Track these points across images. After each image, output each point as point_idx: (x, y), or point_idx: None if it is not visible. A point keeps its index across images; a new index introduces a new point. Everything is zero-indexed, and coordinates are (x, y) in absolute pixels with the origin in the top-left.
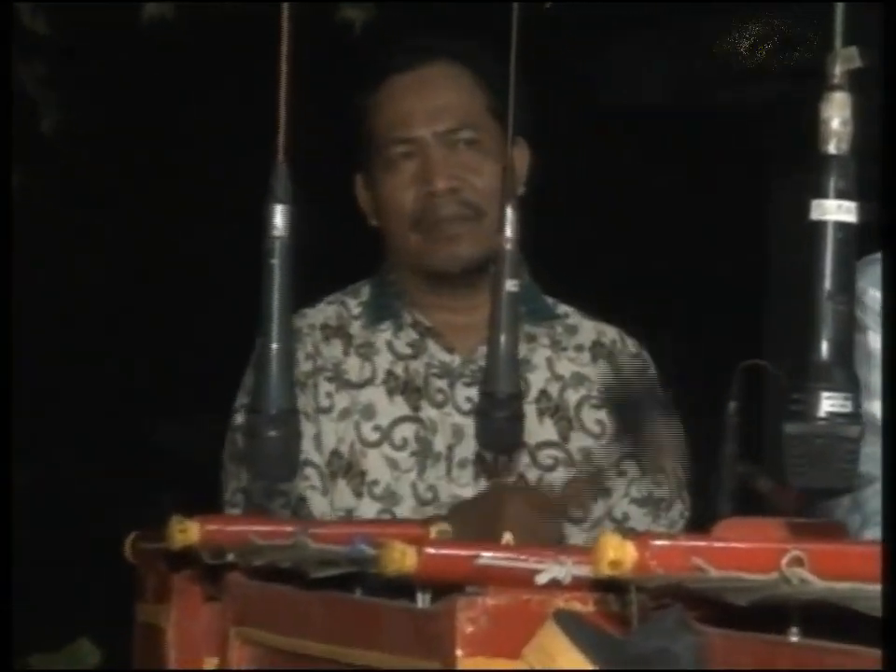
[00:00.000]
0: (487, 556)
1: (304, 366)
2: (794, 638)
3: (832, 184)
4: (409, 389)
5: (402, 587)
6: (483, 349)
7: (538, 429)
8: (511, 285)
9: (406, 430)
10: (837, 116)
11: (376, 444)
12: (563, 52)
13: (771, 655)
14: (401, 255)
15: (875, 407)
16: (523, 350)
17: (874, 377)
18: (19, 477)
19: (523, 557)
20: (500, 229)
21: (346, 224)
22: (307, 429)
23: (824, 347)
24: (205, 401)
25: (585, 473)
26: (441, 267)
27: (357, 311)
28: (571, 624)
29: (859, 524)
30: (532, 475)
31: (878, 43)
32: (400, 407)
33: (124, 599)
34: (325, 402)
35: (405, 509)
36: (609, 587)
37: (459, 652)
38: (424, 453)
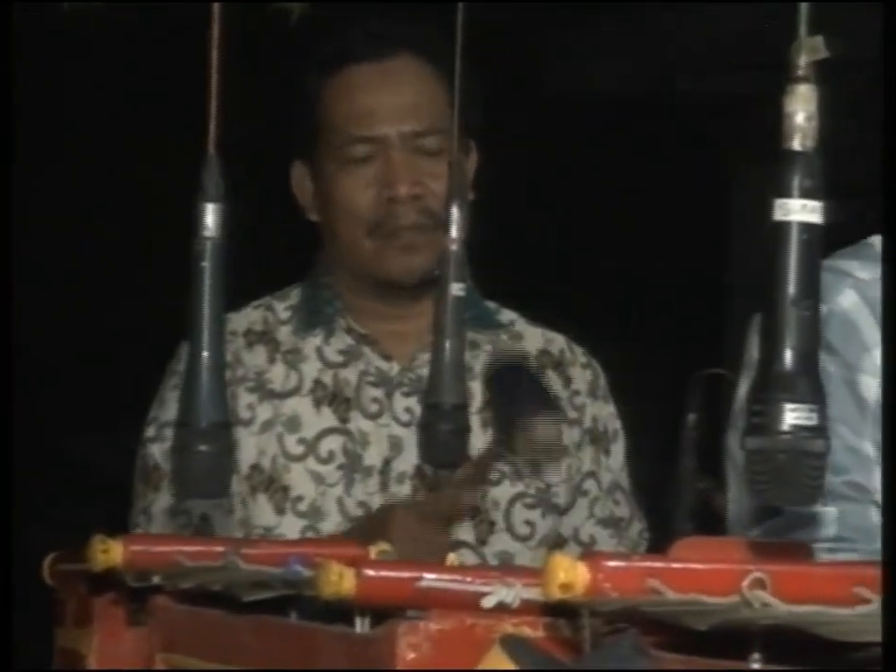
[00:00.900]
0: (430, 578)
1: None
2: (756, 665)
3: (796, 182)
4: (337, 399)
5: (340, 611)
6: (423, 357)
7: (482, 441)
8: (456, 288)
9: (333, 443)
10: (802, 110)
11: (301, 458)
12: (516, 42)
13: None
14: (349, 258)
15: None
16: (465, 357)
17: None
18: None
19: (468, 579)
20: (445, 229)
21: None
22: None
23: (787, 356)
24: (130, 414)
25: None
26: (397, 277)
27: (285, 315)
28: (519, 650)
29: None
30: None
31: (850, 30)
32: (327, 418)
33: (43, 624)
34: (245, 414)
35: (331, 525)
36: (559, 611)
37: None
38: (352, 467)
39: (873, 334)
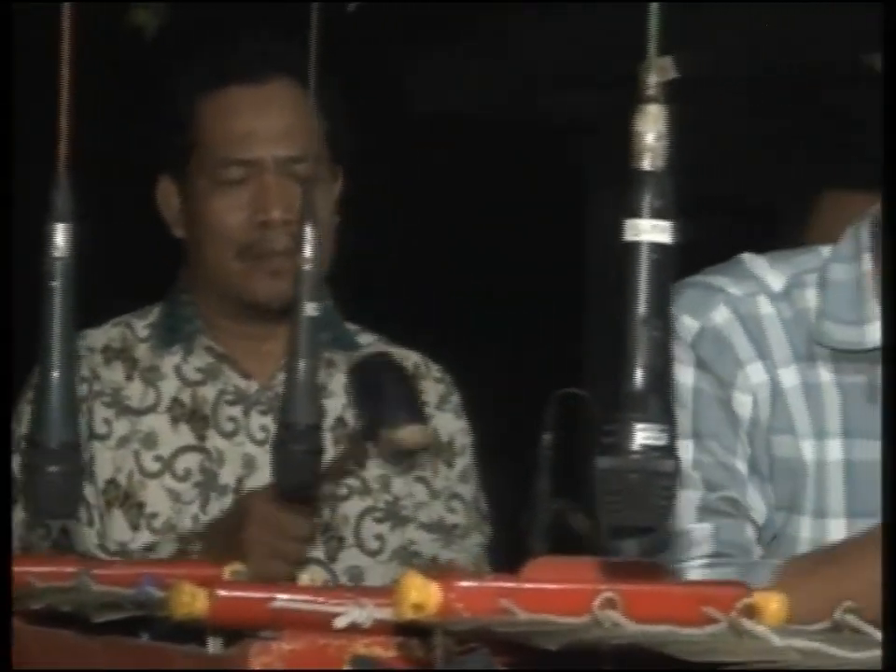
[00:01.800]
0: (283, 599)
1: (79, 390)
2: None
3: (646, 202)
4: (195, 417)
5: (193, 631)
6: (282, 376)
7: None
8: (310, 308)
9: (190, 461)
10: (652, 130)
11: (157, 475)
12: (375, 60)
13: None
14: (215, 278)
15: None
16: (321, 376)
17: (681, 415)
18: None
19: (321, 600)
20: (299, 248)
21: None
22: None
23: (638, 375)
24: None
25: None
26: (263, 300)
27: (144, 333)
28: (370, 671)
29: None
30: (325, 505)
31: (711, 47)
32: (184, 436)
33: None
34: (102, 429)
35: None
36: (412, 631)
37: None
38: (208, 485)
39: (746, 350)
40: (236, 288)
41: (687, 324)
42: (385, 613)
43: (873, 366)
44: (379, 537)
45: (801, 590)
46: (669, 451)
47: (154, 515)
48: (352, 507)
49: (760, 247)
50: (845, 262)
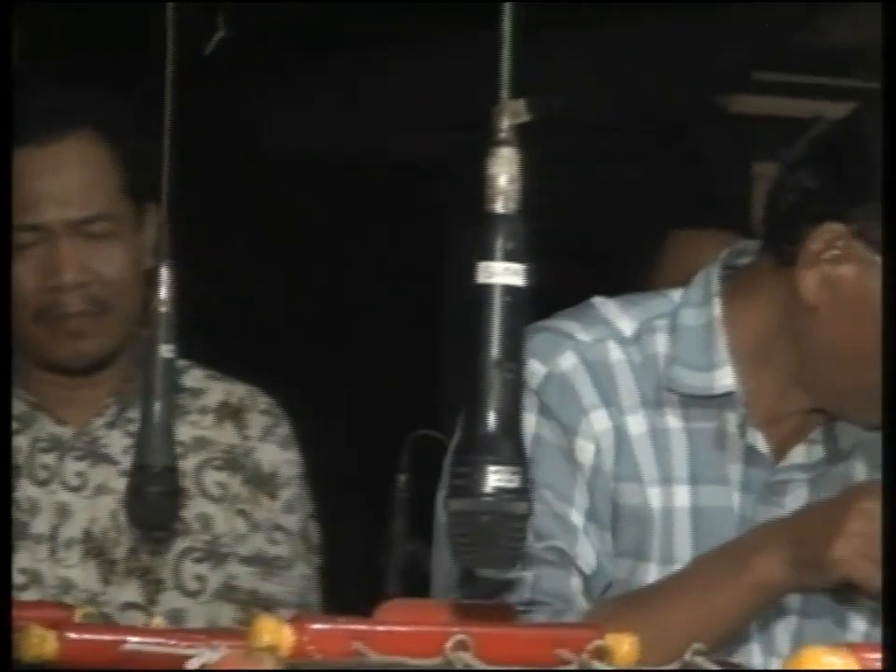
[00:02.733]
0: (134, 641)
1: None
2: None
3: (498, 245)
4: None
5: None
6: (98, 421)
7: None
8: (165, 350)
9: None
10: (504, 173)
11: None
12: (227, 98)
13: None
14: (17, 340)
15: None
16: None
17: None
18: None
19: (172, 642)
20: (156, 290)
21: None
22: None
23: (491, 418)
24: None
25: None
26: (66, 362)
27: None
28: None
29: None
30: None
31: (565, 89)
32: None
33: None
34: None
35: None
36: None
37: None
38: (19, 535)
39: (591, 397)
40: (37, 351)
41: (534, 369)
42: None
43: (722, 412)
44: (199, 577)
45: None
46: (522, 493)
47: None
48: (170, 548)
49: (614, 290)
50: (695, 307)
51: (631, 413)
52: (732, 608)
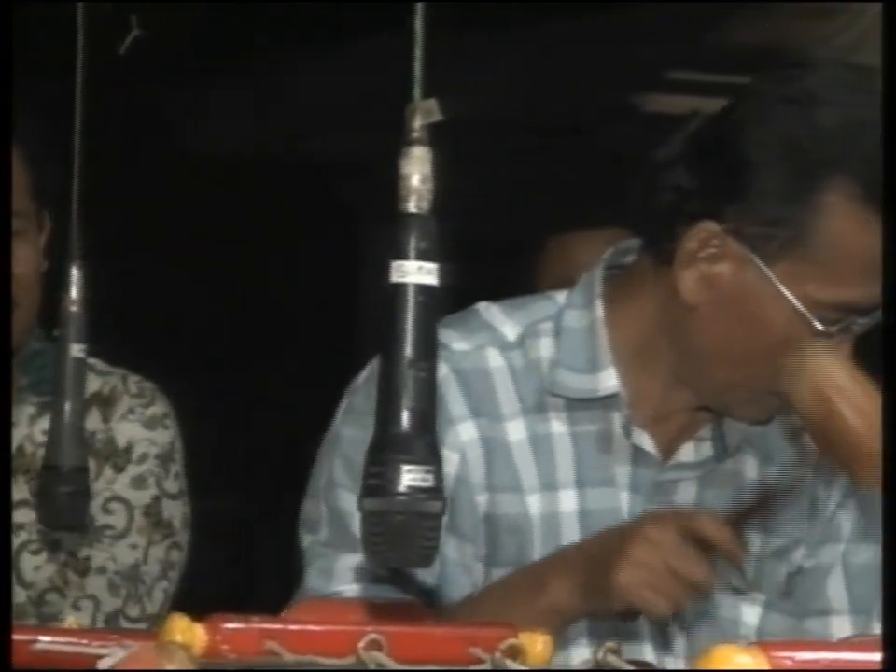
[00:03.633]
0: (46, 641)
1: None
2: None
3: (411, 244)
4: None
5: None
6: None
7: (14, 490)
8: (77, 350)
9: None
10: (417, 172)
11: None
12: (142, 98)
13: None
14: None
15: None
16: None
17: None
18: None
19: (84, 641)
20: (65, 289)
21: None
22: None
23: (405, 417)
24: None
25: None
26: None
27: None
28: None
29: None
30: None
31: (478, 91)
32: None
33: None
34: None
35: None
36: None
37: None
38: None
39: (460, 407)
40: None
41: None
42: None
43: (607, 413)
44: (37, 568)
45: None
46: (435, 492)
47: None
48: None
49: (524, 290)
50: (578, 309)
51: (510, 419)
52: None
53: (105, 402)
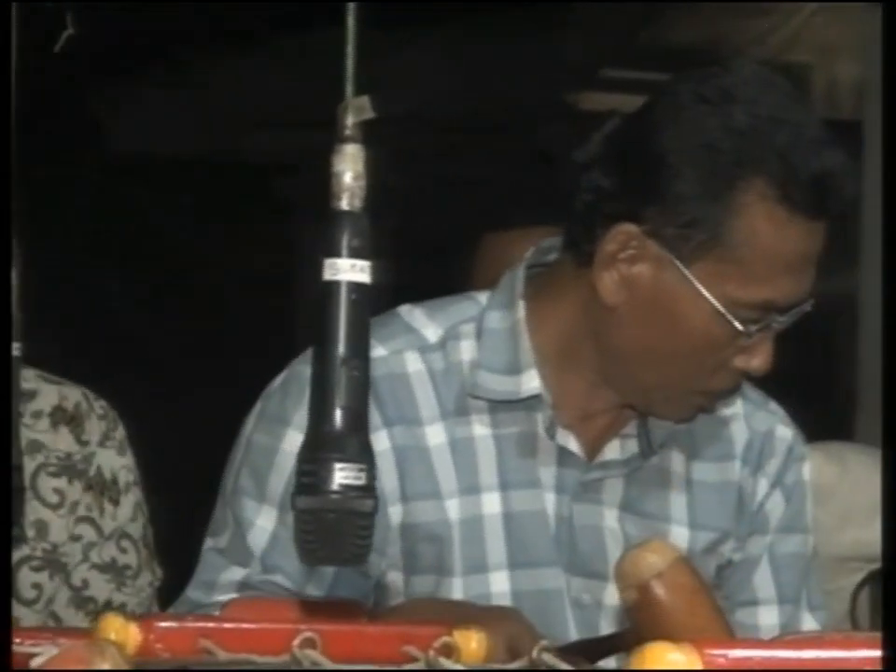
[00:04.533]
0: None
1: None
2: None
3: (344, 242)
4: None
5: None
6: None
7: None
8: (15, 348)
9: None
10: (350, 170)
11: None
12: (74, 97)
13: None
14: None
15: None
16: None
17: (277, 482)
18: None
19: (17, 640)
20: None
21: None
22: None
23: (337, 416)
24: None
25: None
26: None
27: None
28: None
29: None
30: None
31: (412, 88)
32: None
33: None
34: None
35: None
36: None
37: None
38: None
39: (372, 418)
40: None
41: None
42: None
43: (530, 415)
44: (36, 586)
45: None
46: (367, 490)
47: None
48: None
49: (459, 289)
50: (500, 310)
51: (429, 424)
52: None
53: (73, 421)
